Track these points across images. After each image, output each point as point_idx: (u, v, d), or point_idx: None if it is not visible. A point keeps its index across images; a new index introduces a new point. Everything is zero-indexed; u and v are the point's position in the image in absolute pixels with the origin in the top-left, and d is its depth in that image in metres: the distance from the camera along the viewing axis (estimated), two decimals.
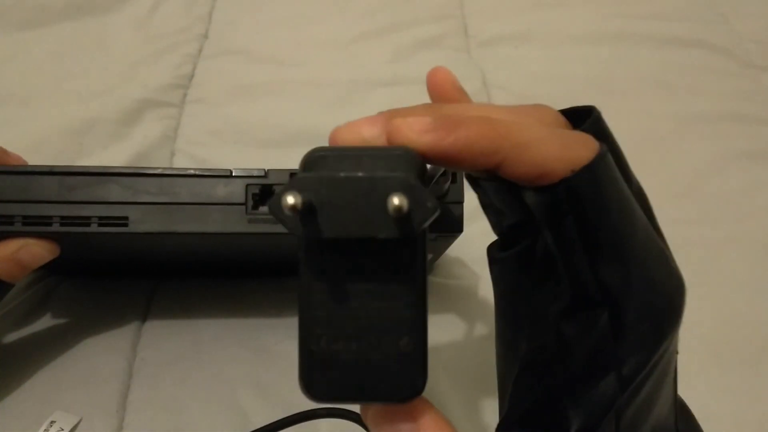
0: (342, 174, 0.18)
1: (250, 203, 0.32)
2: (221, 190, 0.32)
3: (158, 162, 0.50)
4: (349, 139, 0.20)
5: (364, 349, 0.19)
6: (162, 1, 0.63)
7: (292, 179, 0.18)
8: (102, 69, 0.57)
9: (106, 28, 0.60)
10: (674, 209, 0.48)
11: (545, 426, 0.21)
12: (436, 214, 0.18)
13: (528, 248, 0.23)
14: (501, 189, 0.23)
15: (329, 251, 0.19)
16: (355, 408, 0.34)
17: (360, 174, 0.18)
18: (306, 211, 0.18)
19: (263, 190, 0.32)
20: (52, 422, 0.35)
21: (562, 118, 0.22)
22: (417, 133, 0.19)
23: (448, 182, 0.31)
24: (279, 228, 0.32)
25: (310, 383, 0.19)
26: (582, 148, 0.20)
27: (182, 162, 0.51)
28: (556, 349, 0.21)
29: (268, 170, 0.32)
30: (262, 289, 0.43)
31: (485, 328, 0.42)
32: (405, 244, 0.19)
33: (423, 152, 0.19)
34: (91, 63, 0.57)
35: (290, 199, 0.17)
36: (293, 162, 0.56)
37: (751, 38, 0.64)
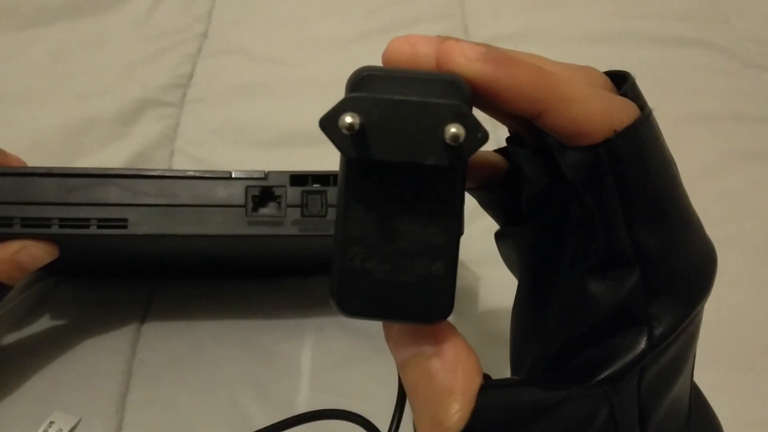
0: (397, 97, 0.18)
1: (250, 205, 0.32)
2: (221, 192, 0.32)
3: (157, 162, 0.50)
4: (404, 49, 0.20)
5: (397, 270, 0.19)
6: (161, 1, 0.63)
7: (348, 98, 0.18)
8: (101, 68, 0.57)
9: (105, 27, 0.60)
10: None
11: (569, 374, 0.21)
12: (485, 143, 0.18)
13: (555, 214, 0.23)
14: (530, 155, 0.23)
15: (371, 172, 0.19)
16: (357, 410, 0.34)
17: (415, 99, 0.18)
18: (358, 131, 0.18)
19: (263, 192, 0.32)
20: (51, 422, 0.35)
21: (609, 82, 0.22)
22: (467, 59, 0.19)
23: None
24: (278, 230, 0.32)
25: (341, 298, 0.20)
26: (624, 111, 0.20)
27: (181, 162, 0.51)
28: (581, 303, 0.21)
29: (267, 172, 0.32)
30: (262, 290, 0.43)
31: (486, 328, 0.42)
32: (447, 172, 0.19)
33: (470, 81, 0.19)
34: (90, 63, 0.57)
35: (348, 119, 0.18)
36: (293, 162, 0.56)
37: (752, 38, 0.64)
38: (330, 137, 0.18)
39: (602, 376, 0.20)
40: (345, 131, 0.18)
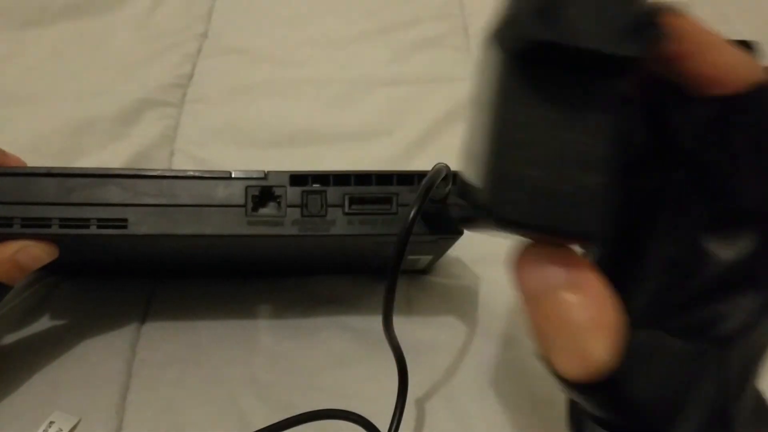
0: None
1: (250, 205, 0.32)
2: (221, 192, 0.32)
3: (157, 162, 0.50)
4: None
5: (553, 178, 0.18)
6: (161, 1, 0.63)
7: None
8: (101, 68, 0.57)
9: (105, 27, 0.60)
10: None
11: (678, 331, 0.20)
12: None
13: (653, 171, 0.22)
14: (633, 111, 0.22)
15: (535, 72, 0.18)
16: (357, 410, 0.34)
17: None
18: (542, 11, 0.17)
19: (263, 192, 0.32)
20: (51, 423, 0.35)
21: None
22: None
23: (449, 185, 0.31)
24: (278, 230, 0.32)
25: (497, 202, 0.18)
26: (758, 67, 0.20)
27: (182, 162, 0.51)
28: (695, 262, 0.20)
29: (267, 172, 0.32)
30: (262, 290, 0.43)
31: (486, 328, 0.42)
32: (617, 77, 0.18)
33: None
34: (90, 62, 0.57)
35: None
36: (293, 162, 0.56)
37: (752, 38, 0.64)
38: (510, 15, 0.17)
39: (715, 334, 0.19)
40: (529, 8, 0.17)
